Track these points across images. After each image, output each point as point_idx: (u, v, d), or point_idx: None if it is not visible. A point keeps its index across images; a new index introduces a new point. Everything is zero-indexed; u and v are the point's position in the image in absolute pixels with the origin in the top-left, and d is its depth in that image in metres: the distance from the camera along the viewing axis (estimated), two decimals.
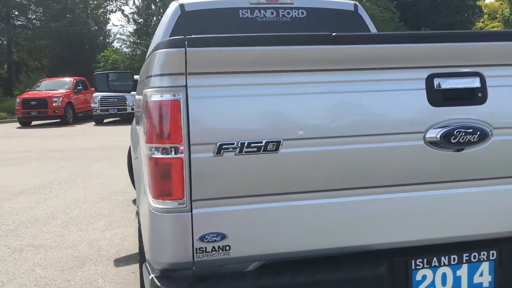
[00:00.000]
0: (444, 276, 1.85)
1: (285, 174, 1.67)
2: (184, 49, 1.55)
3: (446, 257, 1.84)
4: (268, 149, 1.62)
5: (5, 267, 4.22)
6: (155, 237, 1.66)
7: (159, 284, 1.61)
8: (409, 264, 1.82)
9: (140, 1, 40.65)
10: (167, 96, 1.58)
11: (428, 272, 1.84)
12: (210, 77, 1.60)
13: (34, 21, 45.34)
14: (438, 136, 1.73)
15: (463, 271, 1.87)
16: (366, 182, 1.74)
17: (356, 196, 1.74)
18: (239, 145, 1.60)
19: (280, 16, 3.99)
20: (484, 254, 1.87)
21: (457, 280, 1.87)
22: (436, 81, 1.74)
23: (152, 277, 1.66)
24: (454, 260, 1.85)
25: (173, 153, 1.59)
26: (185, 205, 1.61)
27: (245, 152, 1.61)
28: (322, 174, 1.70)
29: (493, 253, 1.88)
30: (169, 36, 3.66)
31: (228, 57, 1.61)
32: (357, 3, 4.23)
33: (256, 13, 3.95)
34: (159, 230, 1.66)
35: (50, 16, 43.19)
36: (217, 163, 1.60)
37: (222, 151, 1.59)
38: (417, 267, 1.83)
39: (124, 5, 44.41)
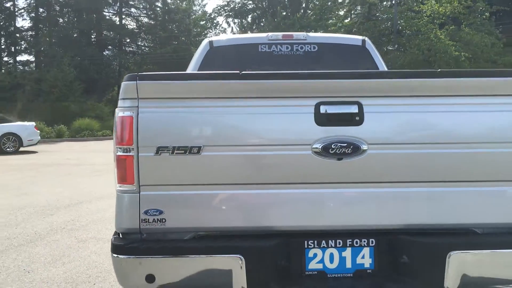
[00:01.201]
0: (331, 255, 2.42)
1: (205, 170, 2.37)
2: (135, 82, 2.34)
3: (333, 240, 2.42)
4: (192, 151, 2.34)
5: (69, 253, 5.28)
6: (118, 210, 2.44)
7: (114, 242, 2.38)
8: (302, 244, 2.42)
9: (238, 30, 42.89)
10: (125, 113, 2.36)
11: (318, 251, 2.42)
12: (154, 101, 2.37)
13: (143, 47, 49.40)
14: (320, 147, 2.34)
15: (347, 253, 2.43)
16: (268, 179, 2.39)
17: (260, 189, 2.39)
18: (172, 148, 2.34)
19: (294, 50, 4.67)
20: (364, 241, 2.42)
21: (342, 260, 2.43)
22: (322, 108, 2.35)
23: (112, 238, 2.44)
24: (339, 244, 2.42)
25: (127, 152, 2.37)
26: (135, 188, 2.38)
27: (176, 153, 2.34)
28: (234, 172, 2.38)
29: (372, 241, 2.42)
30: (198, 67, 4.51)
31: (164, 88, 2.37)
32: (366, 39, 4.78)
33: (273, 48, 4.67)
34: (119, 205, 2.43)
35: (157, 43, 46.89)
36: (156, 160, 2.35)
37: (160, 151, 2.34)
38: (309, 246, 2.42)
39: (222, 33, 46.94)
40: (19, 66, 47.75)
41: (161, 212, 2.37)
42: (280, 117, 2.37)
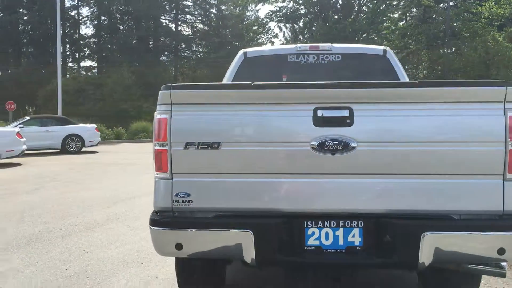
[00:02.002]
0: (327, 234, 2.94)
1: (223, 162, 2.95)
2: (169, 91, 2.95)
3: (328, 221, 2.93)
4: (213, 147, 2.93)
5: (122, 238, 6.03)
6: (155, 193, 3.06)
7: (151, 217, 3.01)
8: (302, 223, 2.95)
9: (290, 34, 43.42)
10: (161, 115, 2.99)
11: (316, 230, 2.94)
12: (184, 106, 2.97)
13: (197, 52, 50.83)
14: (316, 144, 2.86)
15: (340, 232, 2.93)
16: (274, 170, 2.93)
17: (268, 178, 2.94)
18: (197, 143, 2.93)
19: (320, 59, 5.18)
20: (354, 223, 2.92)
21: (336, 238, 2.94)
22: (319, 112, 2.88)
23: (151, 213, 3.06)
24: (333, 224, 2.93)
25: (163, 146, 2.98)
26: (168, 175, 2.99)
27: (200, 148, 2.94)
28: (247, 163, 2.94)
29: (361, 223, 2.92)
30: (234, 76, 5.12)
31: (192, 96, 2.97)
32: (387, 49, 5.22)
33: (301, 58, 5.20)
34: (157, 189, 3.05)
35: (211, 48, 48.16)
36: (185, 153, 2.96)
37: (188, 146, 2.94)
38: (308, 226, 2.94)
39: (274, 38, 47.64)
40: (83, 72, 50.50)
41: (188, 195, 2.97)
42: (284, 120, 2.91)
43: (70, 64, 53.36)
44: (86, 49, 52.81)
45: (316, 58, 5.18)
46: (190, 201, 2.97)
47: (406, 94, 2.86)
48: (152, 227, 2.98)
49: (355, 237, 2.93)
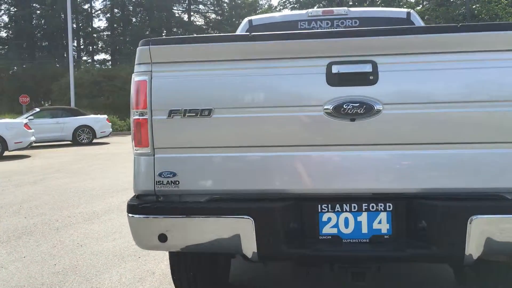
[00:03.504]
0: (346, 220, 2.35)
1: (217, 133, 2.38)
2: (148, 46, 2.38)
3: (348, 204, 2.35)
4: (203, 114, 2.36)
5: (121, 230, 5.55)
6: (135, 173, 2.50)
7: (130, 202, 2.45)
8: (315, 207, 2.36)
9: None
10: (139, 78, 2.42)
11: (332, 216, 2.36)
12: (166, 65, 2.40)
13: None
14: (331, 108, 2.27)
15: (363, 217, 2.35)
16: (280, 141, 2.35)
17: (272, 152, 2.36)
18: (183, 111, 2.37)
19: (335, 25, 4.55)
20: (381, 206, 2.33)
21: (358, 225, 2.35)
22: (334, 67, 2.28)
23: (130, 198, 2.51)
24: (354, 208, 2.34)
25: (142, 115, 2.42)
26: (150, 151, 2.43)
27: (187, 116, 2.37)
28: (245, 134, 2.37)
29: (389, 205, 2.32)
30: None
31: (176, 51, 2.40)
32: (411, 11, 4.57)
33: (313, 24, 4.58)
34: (136, 168, 2.49)
35: None
36: (169, 123, 2.39)
37: (172, 114, 2.38)
38: (323, 210, 2.36)
39: None
40: (97, 65, 50.37)
41: (174, 175, 2.41)
42: (290, 78, 2.33)
43: (84, 58, 53.27)
44: (99, 42, 52.66)
45: (330, 24, 4.56)
46: (177, 182, 2.41)
47: (448, 41, 2.24)
48: (130, 215, 2.43)
49: (382, 224, 2.34)
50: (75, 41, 49.23)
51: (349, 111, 2.25)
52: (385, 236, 2.34)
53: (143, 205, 2.39)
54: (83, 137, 19.29)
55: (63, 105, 27.91)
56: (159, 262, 4.31)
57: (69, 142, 19.41)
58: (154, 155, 2.43)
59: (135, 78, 2.45)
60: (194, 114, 2.36)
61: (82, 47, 52.82)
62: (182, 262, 3.04)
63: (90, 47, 52.83)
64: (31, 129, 15.03)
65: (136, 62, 2.46)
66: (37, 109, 20.15)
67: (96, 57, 53.37)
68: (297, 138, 2.34)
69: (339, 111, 2.26)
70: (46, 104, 39.59)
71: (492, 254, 2.27)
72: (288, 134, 2.35)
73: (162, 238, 2.37)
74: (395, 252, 2.28)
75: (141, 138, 2.43)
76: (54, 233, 5.51)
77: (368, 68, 2.26)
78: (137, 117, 2.44)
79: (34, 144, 16.04)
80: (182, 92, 2.39)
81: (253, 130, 2.36)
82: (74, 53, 31.31)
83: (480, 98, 2.20)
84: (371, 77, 2.26)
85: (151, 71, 2.40)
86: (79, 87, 32.79)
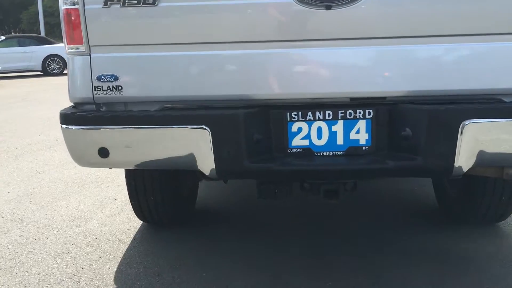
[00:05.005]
0: (319, 129, 2.00)
1: (164, 26, 1.96)
2: None
3: (321, 112, 1.99)
4: (147, 2, 1.92)
5: None
6: (69, 78, 2.10)
7: (63, 111, 2.06)
8: (284, 116, 2.00)
9: None
10: None
11: (303, 125, 2.01)
12: None
13: None
14: None
15: (338, 126, 2.00)
16: (240, 36, 1.95)
17: (231, 49, 1.97)
18: None
19: None
20: (360, 112, 1.97)
21: (332, 135, 2.01)
22: None
23: (64, 108, 2.11)
24: (329, 116, 1.99)
25: (73, 4, 1.98)
26: (84, 50, 2.01)
27: (127, 4, 1.93)
28: (199, 27, 1.96)
29: (369, 112, 1.97)
30: None
31: None
32: None
33: None
34: (71, 71, 2.09)
35: None
36: (106, 14, 1.96)
37: (108, 2, 1.94)
38: (292, 119, 2.00)
39: None
40: None
41: (116, 78, 2.01)
42: None
43: None
44: None
45: None
46: (119, 87, 2.02)
47: None
48: (64, 126, 2.04)
49: (361, 133, 2.00)
50: None
51: None
52: (364, 148, 2.01)
53: (77, 113, 2.00)
54: (53, 67, 18.42)
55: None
56: (123, 189, 3.97)
57: (39, 73, 18.56)
58: (90, 55, 2.02)
59: None
60: (136, 1, 1.93)
61: None
62: (139, 184, 2.71)
63: None
64: None
65: None
66: (3, 37, 19.07)
67: None
68: (261, 32, 1.94)
69: None
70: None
71: (484, 166, 1.97)
72: (250, 27, 1.95)
73: (103, 153, 2.00)
74: (375, 165, 1.96)
75: (73, 33, 2.01)
76: (12, 160, 5.13)
77: None
78: (67, 6, 2.00)
79: (0, 75, 15.27)
80: None
81: (209, 23, 1.95)
82: None
83: None
84: None
85: None
86: (49, 16, 31.10)
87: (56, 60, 18.36)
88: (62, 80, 15.65)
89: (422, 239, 2.83)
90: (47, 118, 7.68)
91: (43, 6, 28.12)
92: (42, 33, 26.30)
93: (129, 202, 2.96)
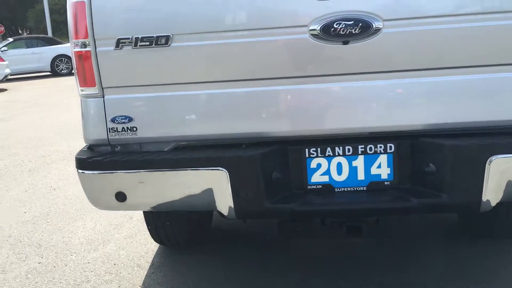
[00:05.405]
0: (339, 165, 1.96)
1: (178, 66, 1.92)
2: None
3: (341, 147, 1.94)
4: (159, 42, 1.88)
5: None
6: (83, 119, 2.07)
7: (77, 155, 2.03)
8: (302, 152, 1.96)
9: None
10: None
11: (323, 161, 1.96)
12: None
13: None
14: (319, 28, 1.80)
15: (359, 162, 1.95)
16: (256, 74, 1.90)
17: (247, 87, 1.92)
18: (134, 39, 1.88)
19: None
20: (381, 147, 1.92)
21: (353, 170, 1.96)
22: None
23: (81, 150, 2.09)
24: (349, 151, 1.94)
25: (84, 46, 1.94)
26: (98, 92, 1.98)
27: (139, 45, 1.89)
28: (213, 66, 1.91)
29: (390, 146, 1.92)
30: None
31: None
32: None
33: None
34: (85, 113, 2.05)
35: None
36: (118, 56, 1.92)
37: (120, 44, 1.90)
38: (311, 155, 1.96)
39: None
40: None
41: (130, 119, 1.97)
42: None
43: None
44: None
45: None
46: (134, 129, 1.98)
47: None
48: (80, 171, 2.01)
49: (382, 168, 1.96)
50: None
51: (341, 31, 1.78)
52: (386, 183, 1.96)
53: (93, 158, 1.98)
54: (62, 67, 18.46)
55: (40, 34, 26.67)
56: None
57: (48, 73, 18.63)
58: (103, 96, 1.98)
59: None
60: (148, 43, 1.89)
61: None
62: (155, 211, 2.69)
63: None
64: (4, 61, 14.24)
65: None
66: (10, 39, 19.14)
67: None
68: (277, 68, 1.89)
69: (328, 32, 1.79)
70: (25, 34, 37.92)
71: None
72: (266, 64, 1.90)
73: (120, 197, 1.97)
74: (398, 203, 1.91)
75: (86, 75, 1.97)
76: (26, 176, 5.14)
77: None
78: (78, 49, 1.96)
79: (10, 77, 15.33)
80: (132, 14, 1.90)
81: (223, 61, 1.91)
82: None
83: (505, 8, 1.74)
84: None
85: None
86: (55, 13, 31.11)
87: (64, 60, 18.40)
88: (71, 81, 15.71)
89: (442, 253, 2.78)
90: (59, 126, 7.69)
91: (49, 3, 28.13)
92: (49, 31, 26.34)
93: (144, 222, 2.94)
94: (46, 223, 3.75)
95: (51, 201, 4.26)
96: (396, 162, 1.93)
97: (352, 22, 1.77)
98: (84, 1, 1.89)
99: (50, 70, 18.27)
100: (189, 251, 3.07)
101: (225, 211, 1.95)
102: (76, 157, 2.03)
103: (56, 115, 8.85)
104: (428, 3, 1.78)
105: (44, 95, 12.45)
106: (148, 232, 3.08)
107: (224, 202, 1.92)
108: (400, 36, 1.81)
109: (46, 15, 27.14)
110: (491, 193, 1.81)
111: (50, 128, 7.58)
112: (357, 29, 1.77)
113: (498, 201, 1.85)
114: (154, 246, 3.20)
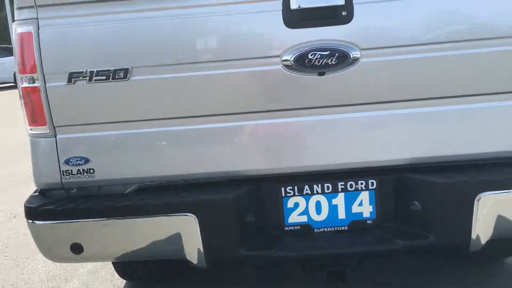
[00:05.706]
0: (318, 204, 1.81)
1: (137, 102, 1.73)
2: None
3: (319, 185, 1.79)
4: (117, 76, 1.69)
5: None
6: (33, 161, 1.86)
7: (27, 203, 1.83)
8: (278, 191, 1.80)
9: None
10: (23, 28, 1.71)
11: (300, 200, 1.81)
12: (59, 9, 1.70)
13: None
14: (292, 59, 1.65)
15: (339, 200, 1.81)
16: (224, 108, 1.74)
17: (215, 123, 1.76)
18: (89, 73, 1.70)
19: None
20: (362, 184, 1.79)
21: (333, 209, 1.82)
22: (293, 1, 1.63)
23: (29, 196, 1.88)
24: (328, 189, 1.80)
25: (33, 82, 1.74)
26: (49, 131, 1.78)
27: (95, 80, 1.70)
28: (177, 101, 1.74)
29: (372, 183, 1.78)
30: None
31: None
32: None
33: None
34: (35, 154, 1.85)
35: None
36: (71, 91, 1.72)
37: (73, 79, 1.71)
38: (288, 194, 1.80)
39: None
40: None
41: (87, 161, 1.78)
42: (235, 20, 1.68)
43: None
44: None
45: None
46: (91, 171, 1.79)
47: None
48: (30, 221, 1.81)
49: (364, 206, 1.82)
50: None
51: (316, 62, 1.64)
52: (368, 221, 1.82)
53: (44, 207, 1.77)
54: None
55: (3, 42, 25.88)
56: None
57: (11, 84, 18.04)
58: (55, 136, 1.78)
59: (16, 29, 1.74)
60: (104, 77, 1.70)
61: None
62: None
63: None
64: None
65: (16, 6, 1.75)
66: None
67: None
68: (249, 102, 1.74)
69: (302, 62, 1.65)
70: None
71: (503, 236, 1.80)
72: (237, 98, 1.74)
73: (76, 248, 1.77)
74: (383, 245, 1.76)
75: (35, 113, 1.77)
76: None
77: (339, 0, 1.63)
78: (26, 84, 1.76)
79: None
80: (85, 46, 1.71)
81: (189, 96, 1.74)
82: None
83: (493, 34, 1.62)
84: (343, 13, 1.63)
85: (37, 18, 1.70)
86: None
87: None
88: None
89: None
90: (18, 144, 7.33)
91: (12, 11, 27.36)
92: (13, 39, 25.54)
93: None
94: (4, 258, 3.49)
95: (11, 232, 3.98)
96: (378, 200, 1.80)
97: (328, 52, 1.63)
98: (31, 32, 1.69)
99: (13, 81, 17.69)
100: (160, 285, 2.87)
101: (194, 260, 1.77)
102: (25, 205, 1.82)
103: (17, 131, 8.47)
104: (407, 31, 1.65)
105: (5, 108, 11.98)
106: (113, 267, 2.87)
107: (194, 250, 1.74)
108: (379, 66, 1.68)
109: (9, 24, 26.36)
110: (481, 231, 1.70)
111: (9, 146, 7.24)
112: (334, 60, 1.63)
113: (487, 239, 1.73)
114: (120, 282, 2.98)
